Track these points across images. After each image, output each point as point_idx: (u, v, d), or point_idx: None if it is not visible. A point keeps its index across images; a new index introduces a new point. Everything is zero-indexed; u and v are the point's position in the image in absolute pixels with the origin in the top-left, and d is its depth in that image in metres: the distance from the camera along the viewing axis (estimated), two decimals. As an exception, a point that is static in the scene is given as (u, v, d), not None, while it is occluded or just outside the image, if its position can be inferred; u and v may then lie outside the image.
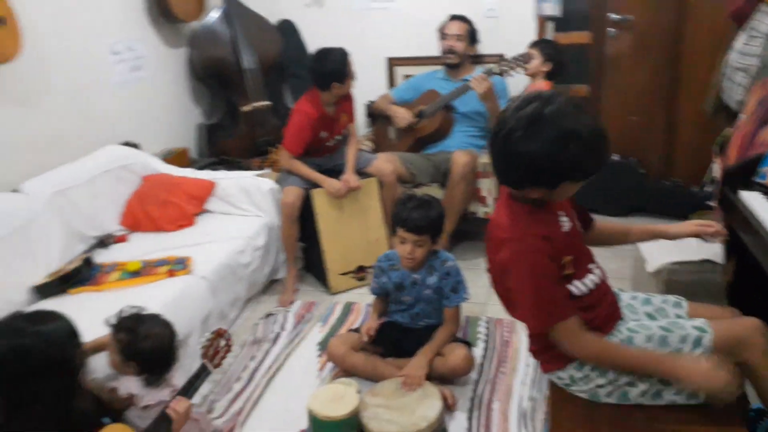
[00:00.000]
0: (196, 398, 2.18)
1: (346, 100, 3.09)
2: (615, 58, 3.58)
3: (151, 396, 1.79)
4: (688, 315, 1.67)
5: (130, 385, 1.80)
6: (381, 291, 2.36)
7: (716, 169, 2.62)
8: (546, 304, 1.46)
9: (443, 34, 3.41)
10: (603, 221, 1.80)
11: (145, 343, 1.78)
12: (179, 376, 1.89)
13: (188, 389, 1.78)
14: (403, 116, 3.39)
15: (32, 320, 1.56)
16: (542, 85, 3.24)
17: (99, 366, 1.87)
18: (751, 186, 1.98)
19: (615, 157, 3.55)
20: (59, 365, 1.53)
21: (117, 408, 1.81)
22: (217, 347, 1.92)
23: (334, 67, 2.85)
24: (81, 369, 1.63)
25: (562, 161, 1.33)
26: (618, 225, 1.86)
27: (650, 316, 1.68)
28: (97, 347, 1.85)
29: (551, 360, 1.63)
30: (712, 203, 2.72)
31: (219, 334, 1.95)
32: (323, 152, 3.14)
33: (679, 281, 2.23)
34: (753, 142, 2.18)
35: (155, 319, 1.87)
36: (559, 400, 1.62)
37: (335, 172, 3.05)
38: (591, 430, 1.51)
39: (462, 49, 3.35)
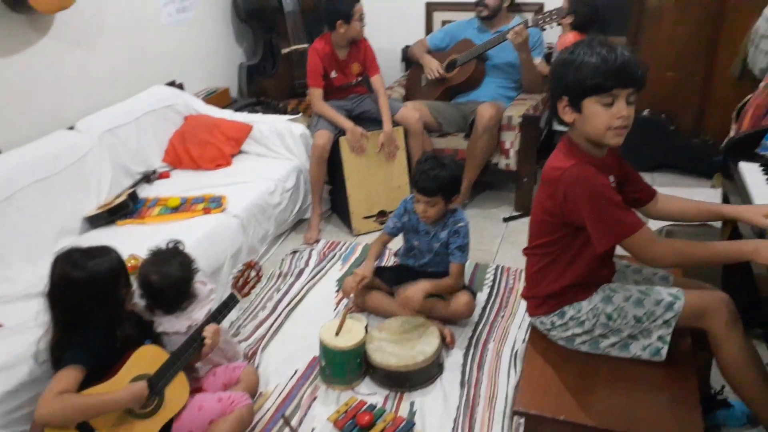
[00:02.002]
0: (225, 323, 2.45)
1: (359, 49, 3.18)
2: (656, 11, 3.50)
3: (168, 324, 1.96)
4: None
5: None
6: (395, 230, 2.48)
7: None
8: (610, 221, 1.54)
9: None
10: (669, 198, 1.82)
11: (154, 279, 1.94)
12: (213, 305, 2.05)
13: (217, 316, 1.98)
14: (433, 68, 3.44)
15: (87, 254, 1.74)
16: (571, 37, 3.25)
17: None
18: (753, 157, 2.03)
19: (645, 113, 3.55)
20: (107, 296, 1.74)
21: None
22: (247, 278, 2.10)
23: (340, 6, 3.00)
24: (127, 299, 1.84)
25: (575, 69, 1.51)
26: (686, 202, 1.80)
27: (637, 283, 1.81)
28: None
29: (539, 306, 1.79)
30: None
31: (250, 265, 2.12)
32: (341, 94, 3.26)
33: (677, 243, 2.30)
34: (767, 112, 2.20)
35: (173, 258, 1.99)
36: (538, 342, 1.79)
37: (362, 119, 3.18)
38: (561, 370, 1.68)
39: (493, 2, 3.35)
